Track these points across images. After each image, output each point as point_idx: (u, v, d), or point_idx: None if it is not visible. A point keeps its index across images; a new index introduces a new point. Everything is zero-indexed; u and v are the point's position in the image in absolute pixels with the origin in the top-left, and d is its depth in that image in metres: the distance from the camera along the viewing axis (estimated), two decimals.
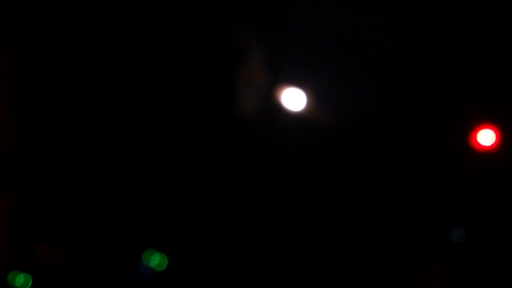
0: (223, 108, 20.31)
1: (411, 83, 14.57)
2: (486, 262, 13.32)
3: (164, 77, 20.82)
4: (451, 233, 14.23)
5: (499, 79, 12.86)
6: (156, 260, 19.41)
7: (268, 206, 19.17)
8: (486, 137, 12.59)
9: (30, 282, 18.18)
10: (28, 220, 19.35)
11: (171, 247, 20.40)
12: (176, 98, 20.52)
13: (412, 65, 14.69)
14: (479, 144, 12.70)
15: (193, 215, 20.03)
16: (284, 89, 20.26)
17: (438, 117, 13.88)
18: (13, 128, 19.33)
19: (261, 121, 19.99)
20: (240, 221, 19.23)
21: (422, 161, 14.53)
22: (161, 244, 20.49)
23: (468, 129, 12.71)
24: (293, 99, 20.16)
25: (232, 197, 19.45)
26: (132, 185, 20.87)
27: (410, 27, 15.78)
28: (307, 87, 20.05)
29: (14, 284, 18.22)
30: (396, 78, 15.08)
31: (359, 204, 17.82)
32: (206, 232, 19.64)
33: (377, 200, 16.00)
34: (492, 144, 12.53)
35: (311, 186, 18.94)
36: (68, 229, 19.88)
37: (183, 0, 19.79)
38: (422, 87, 14.29)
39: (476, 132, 12.77)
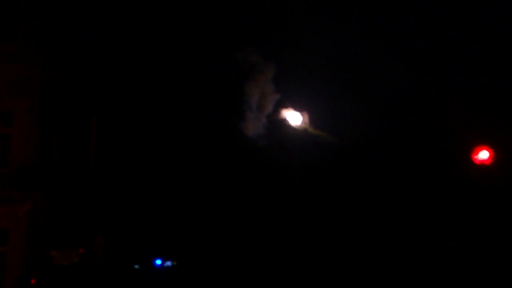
0: (231, 123, 22.02)
1: (409, 107, 16.87)
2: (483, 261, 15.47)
3: (176, 96, 22.41)
4: (451, 236, 16.38)
5: (493, 109, 15.29)
6: None
7: (269, 211, 20.89)
8: (483, 154, 14.84)
9: None
10: (45, 226, 20.33)
11: (177, 250, 21.74)
12: (188, 116, 22.12)
13: (413, 92, 16.96)
14: (477, 160, 14.95)
15: (201, 220, 21.51)
16: (286, 108, 22.19)
17: (440, 138, 16.19)
18: (31, 141, 20.44)
19: (265, 136, 21.81)
20: (243, 225, 20.78)
21: (426, 175, 16.76)
22: (168, 248, 21.84)
23: (468, 148, 14.96)
24: (295, 117, 22.12)
25: (239, 203, 21.07)
26: (141, 192, 22.20)
27: (406, 53, 18.00)
28: (307, 107, 21.98)
29: None
30: (398, 104, 17.33)
31: (353, 212, 19.69)
32: (212, 236, 21.11)
33: (377, 210, 18.07)
34: (488, 160, 14.76)
35: (309, 193, 20.80)
36: (81, 235, 20.98)
37: (197, 26, 21.53)
38: (420, 113, 16.62)
39: (475, 151, 15.03)
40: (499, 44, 16.11)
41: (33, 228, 20.31)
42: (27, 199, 20.16)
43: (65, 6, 20.89)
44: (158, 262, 19.82)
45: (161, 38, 21.64)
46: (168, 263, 19.29)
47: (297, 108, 21.54)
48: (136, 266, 20.18)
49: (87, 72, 21.23)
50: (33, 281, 18.20)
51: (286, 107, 21.47)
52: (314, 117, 21.49)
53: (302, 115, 21.63)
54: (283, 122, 21.36)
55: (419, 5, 18.07)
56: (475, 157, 14.92)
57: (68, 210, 20.58)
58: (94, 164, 21.51)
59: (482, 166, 14.54)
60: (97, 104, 21.53)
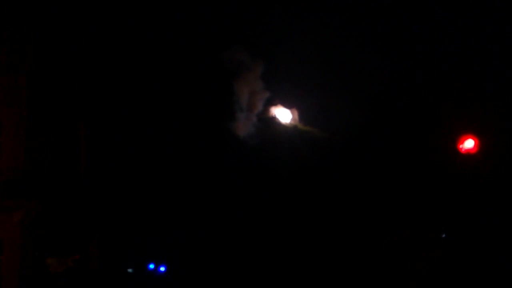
0: (221, 122, 22.01)
1: (398, 100, 16.86)
2: (471, 252, 15.47)
3: (165, 97, 22.35)
4: (439, 227, 16.37)
5: (477, 98, 15.26)
6: None
7: (260, 208, 20.88)
8: (468, 144, 14.78)
9: None
10: (39, 234, 20.31)
11: (173, 253, 21.76)
12: (178, 118, 22.06)
13: (400, 85, 16.95)
14: (463, 149, 14.89)
15: (195, 222, 21.50)
16: (275, 106, 22.15)
17: (427, 130, 16.17)
18: (20, 149, 20.42)
19: (255, 133, 21.77)
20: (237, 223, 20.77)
21: (413, 166, 16.74)
22: (163, 252, 21.88)
23: (454, 138, 14.92)
24: (284, 114, 22.09)
25: (231, 200, 21.05)
26: (134, 196, 22.19)
27: (391, 47, 17.96)
28: (296, 104, 21.94)
29: None
30: (384, 96, 17.31)
31: (343, 206, 19.66)
32: (206, 236, 21.08)
33: (366, 201, 18.03)
34: (473, 149, 14.71)
35: (300, 189, 20.78)
36: (76, 241, 20.94)
37: (186, 25, 21.50)
38: (408, 106, 16.60)
39: (461, 140, 14.99)
40: (483, 37, 16.10)
41: (27, 236, 20.27)
42: (19, 208, 20.12)
43: (49, 16, 20.81)
44: (152, 266, 19.81)
45: (148, 41, 21.60)
46: (162, 268, 19.31)
47: (286, 105, 21.54)
48: (130, 270, 20.15)
49: (73, 80, 21.20)
50: None
51: (275, 104, 21.46)
52: (303, 114, 21.47)
53: (291, 112, 21.63)
54: (273, 120, 21.33)
55: (402, 1, 18.13)
56: (461, 146, 14.86)
57: (61, 217, 20.54)
58: (85, 170, 21.49)
59: (468, 155, 14.49)
60: (85, 110, 21.49)
